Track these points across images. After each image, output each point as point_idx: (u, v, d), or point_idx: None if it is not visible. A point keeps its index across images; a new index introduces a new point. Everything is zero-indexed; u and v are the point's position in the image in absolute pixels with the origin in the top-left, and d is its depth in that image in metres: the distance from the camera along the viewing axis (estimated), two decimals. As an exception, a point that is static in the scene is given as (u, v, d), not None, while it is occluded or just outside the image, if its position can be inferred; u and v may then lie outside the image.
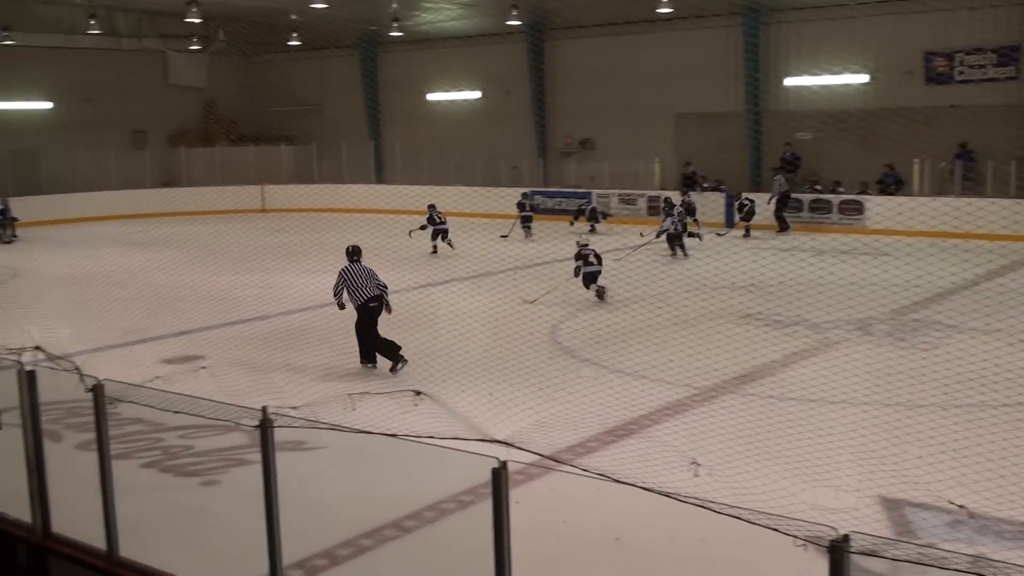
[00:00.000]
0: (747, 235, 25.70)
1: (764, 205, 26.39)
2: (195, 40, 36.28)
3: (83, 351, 7.65)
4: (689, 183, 29.27)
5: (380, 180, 36.27)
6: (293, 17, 32.53)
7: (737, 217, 26.39)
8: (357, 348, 12.69)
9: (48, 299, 18.81)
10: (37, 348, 5.52)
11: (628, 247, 21.37)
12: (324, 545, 7.09)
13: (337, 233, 25.77)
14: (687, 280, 18.36)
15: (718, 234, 25.44)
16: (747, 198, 26.27)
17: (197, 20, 28.66)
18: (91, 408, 5.58)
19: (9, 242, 28.55)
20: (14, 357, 5.43)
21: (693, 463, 5.33)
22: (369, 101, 37.73)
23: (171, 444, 9.46)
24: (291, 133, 38.57)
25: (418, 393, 4.46)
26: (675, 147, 31.18)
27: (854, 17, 27.33)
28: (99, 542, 5.97)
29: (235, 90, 38.45)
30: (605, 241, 22.55)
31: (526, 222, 26.36)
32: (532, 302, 16.49)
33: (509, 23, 29.99)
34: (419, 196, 29.97)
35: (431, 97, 37.00)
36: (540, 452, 3.94)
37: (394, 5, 30.37)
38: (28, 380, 5.30)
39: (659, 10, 26.48)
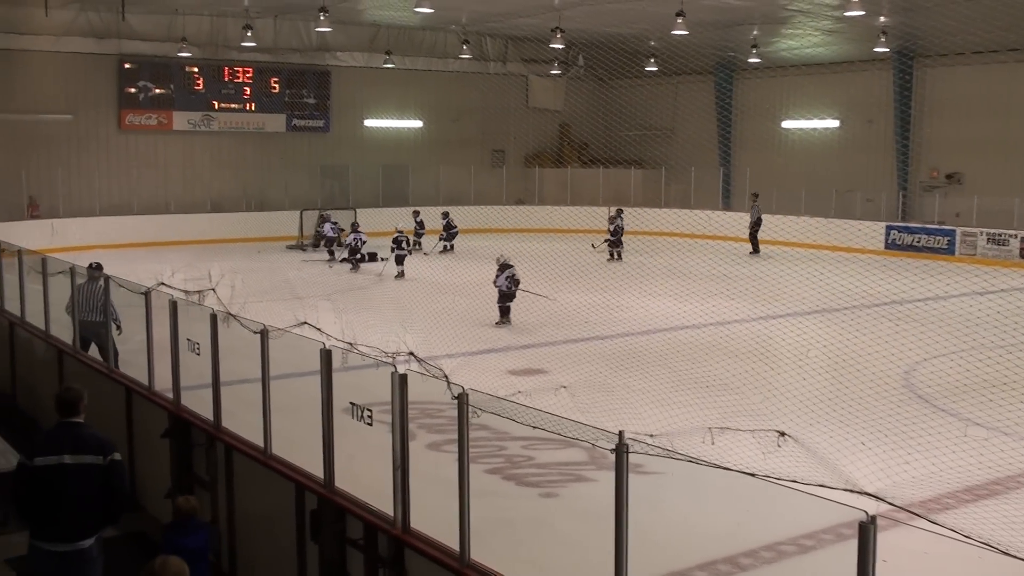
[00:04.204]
0: None
1: None
2: (556, 65, 37.71)
3: (436, 356, 8.05)
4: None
5: (727, 207, 35.86)
6: (652, 43, 32.94)
7: None
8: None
9: (409, 304, 20.12)
10: (411, 354, 5.86)
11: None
12: (657, 572, 7.02)
13: (682, 257, 25.81)
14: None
15: None
16: None
17: (560, 46, 29.71)
18: (442, 411, 5.81)
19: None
20: (390, 360, 5.80)
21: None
22: (721, 127, 37.49)
23: (514, 453, 9.76)
24: (640, 157, 39.05)
25: (782, 434, 4.27)
26: (1057, 186, 28.53)
27: None
28: (448, 540, 6.23)
29: (589, 113, 39.49)
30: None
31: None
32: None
33: (876, 50, 28.66)
34: (768, 225, 29.43)
35: (786, 124, 36.13)
36: (918, 512, 3.64)
37: (755, 32, 29.97)
38: (401, 383, 5.62)
39: (1048, 36, 24.36)
